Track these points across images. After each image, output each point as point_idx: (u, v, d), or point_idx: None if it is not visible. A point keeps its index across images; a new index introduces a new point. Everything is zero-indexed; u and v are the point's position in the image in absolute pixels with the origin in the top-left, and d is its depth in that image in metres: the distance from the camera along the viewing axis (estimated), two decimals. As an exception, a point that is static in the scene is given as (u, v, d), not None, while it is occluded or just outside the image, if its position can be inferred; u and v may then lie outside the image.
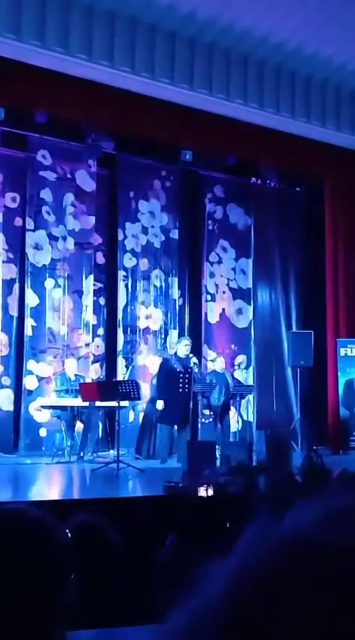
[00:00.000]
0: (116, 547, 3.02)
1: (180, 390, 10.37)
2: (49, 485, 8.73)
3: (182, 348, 10.85)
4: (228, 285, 13.14)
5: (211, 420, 11.33)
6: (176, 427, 10.57)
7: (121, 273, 12.22)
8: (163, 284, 12.56)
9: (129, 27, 9.74)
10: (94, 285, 12.03)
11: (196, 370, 10.55)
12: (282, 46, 10.57)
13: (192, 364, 10.57)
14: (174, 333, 12.41)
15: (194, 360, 10.65)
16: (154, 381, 11.39)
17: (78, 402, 10.16)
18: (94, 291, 12.04)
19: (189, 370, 10.55)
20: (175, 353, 10.97)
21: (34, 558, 1.51)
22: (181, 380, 10.45)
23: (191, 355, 10.84)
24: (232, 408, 11.73)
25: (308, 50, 10.68)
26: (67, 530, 2.86)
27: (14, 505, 1.70)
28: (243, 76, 10.70)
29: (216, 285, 13.03)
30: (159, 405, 10.55)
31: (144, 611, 2.30)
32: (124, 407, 10.38)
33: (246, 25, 10.06)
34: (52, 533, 1.57)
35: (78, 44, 9.39)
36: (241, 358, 13.05)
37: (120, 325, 12.14)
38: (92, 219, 11.98)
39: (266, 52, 10.65)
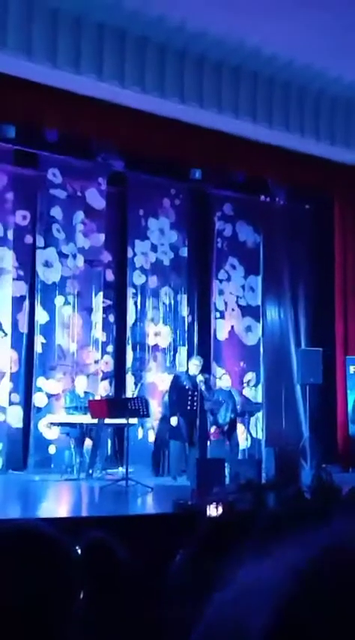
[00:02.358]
0: (125, 564, 3.02)
1: (189, 408, 10.39)
2: (58, 503, 8.73)
3: (192, 367, 10.90)
4: (237, 302, 13.14)
5: (217, 437, 11.31)
6: (187, 444, 10.57)
7: (131, 291, 12.25)
8: (172, 301, 12.58)
9: (139, 46, 9.81)
10: (104, 302, 12.07)
11: (203, 388, 10.56)
12: (291, 64, 10.63)
13: (198, 382, 10.59)
14: (183, 351, 12.41)
15: (200, 377, 10.67)
16: (166, 398, 11.41)
17: (87, 419, 10.16)
18: (104, 308, 12.07)
19: (198, 388, 10.57)
20: (187, 371, 11.02)
21: (43, 575, 1.52)
22: (190, 397, 10.46)
23: (198, 374, 10.86)
24: (241, 426, 11.70)
25: (316, 68, 10.74)
26: (77, 547, 2.87)
27: (24, 521, 1.71)
28: (252, 94, 10.75)
29: (225, 303, 13.03)
30: (173, 421, 10.56)
31: (153, 628, 2.30)
32: (133, 424, 10.38)
33: (255, 44, 10.13)
34: (61, 549, 1.57)
35: (88, 63, 9.46)
36: (250, 375, 13.03)
37: (130, 342, 12.15)
38: (102, 237, 12.03)
39: (275, 69, 10.71)
